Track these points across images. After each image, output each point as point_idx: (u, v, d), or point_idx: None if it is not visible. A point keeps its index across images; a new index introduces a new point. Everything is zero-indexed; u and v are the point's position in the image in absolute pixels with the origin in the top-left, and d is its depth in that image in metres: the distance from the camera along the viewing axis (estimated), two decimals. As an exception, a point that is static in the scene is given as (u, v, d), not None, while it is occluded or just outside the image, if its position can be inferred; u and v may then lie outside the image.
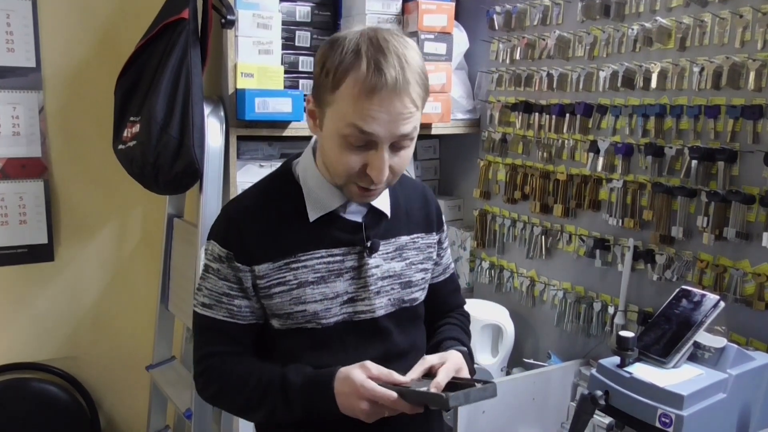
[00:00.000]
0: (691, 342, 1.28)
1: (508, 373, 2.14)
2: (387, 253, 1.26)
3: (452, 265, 1.46)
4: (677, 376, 1.24)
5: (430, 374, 1.16)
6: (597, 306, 1.96)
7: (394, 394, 1.09)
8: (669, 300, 1.38)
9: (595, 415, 1.33)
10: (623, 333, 1.28)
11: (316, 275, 1.20)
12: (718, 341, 1.29)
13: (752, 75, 1.53)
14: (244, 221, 1.20)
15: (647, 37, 1.77)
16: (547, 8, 2.09)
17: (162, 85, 1.80)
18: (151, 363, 2.29)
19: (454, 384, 1.13)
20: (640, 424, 1.22)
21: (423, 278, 1.32)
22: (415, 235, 1.31)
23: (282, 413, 1.17)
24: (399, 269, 1.27)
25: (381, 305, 1.25)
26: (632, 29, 1.81)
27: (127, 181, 1.96)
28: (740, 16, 1.57)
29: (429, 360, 1.18)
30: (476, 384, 1.10)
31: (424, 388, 1.11)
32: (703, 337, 1.30)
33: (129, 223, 2.40)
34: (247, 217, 1.21)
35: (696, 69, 1.65)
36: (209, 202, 1.90)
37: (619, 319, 1.86)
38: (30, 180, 2.20)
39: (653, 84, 1.75)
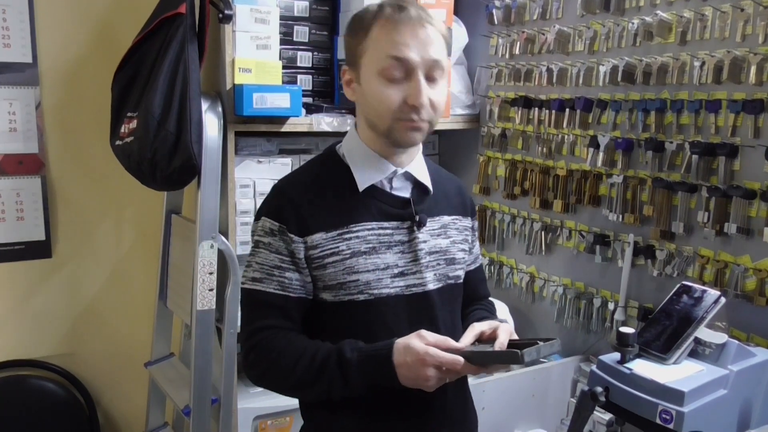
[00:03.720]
0: (691, 338, 1.28)
1: (507, 370, 2.13)
2: (433, 229, 1.31)
3: (481, 257, 1.52)
4: (678, 373, 1.23)
5: (479, 341, 1.21)
6: (597, 302, 1.95)
7: (460, 358, 1.12)
8: (669, 296, 1.37)
9: (595, 412, 1.32)
10: (623, 329, 1.28)
11: (368, 245, 1.24)
12: (718, 337, 1.28)
13: (753, 69, 1.52)
14: (297, 194, 1.25)
15: (648, 31, 1.76)
16: (547, 2, 2.07)
17: (159, 80, 1.79)
18: (149, 360, 2.29)
19: (514, 344, 1.16)
20: (640, 421, 1.21)
21: (463, 258, 1.38)
22: (455, 217, 1.37)
23: (339, 390, 1.18)
24: (444, 246, 1.33)
25: (430, 279, 1.29)
26: (632, 23, 1.80)
27: (124, 177, 1.95)
28: (741, 9, 1.56)
29: (478, 327, 1.22)
30: (538, 342, 1.13)
31: (490, 349, 1.15)
32: (703, 333, 1.29)
33: (127, 220, 2.39)
34: (300, 190, 1.26)
35: (697, 63, 1.64)
36: (207, 198, 1.89)
37: (619, 315, 1.85)
38: (27, 176, 2.19)
39: (654, 78, 1.74)
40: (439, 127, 2.33)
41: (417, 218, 1.28)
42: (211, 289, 1.90)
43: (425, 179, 1.32)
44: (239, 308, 1.88)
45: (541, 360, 1.98)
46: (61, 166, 2.24)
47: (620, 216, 1.86)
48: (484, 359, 1.14)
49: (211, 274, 1.89)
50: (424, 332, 1.16)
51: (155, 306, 2.27)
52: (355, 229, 1.24)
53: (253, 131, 2.03)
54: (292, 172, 1.36)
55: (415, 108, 1.19)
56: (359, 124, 1.30)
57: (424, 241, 1.29)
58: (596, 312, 1.96)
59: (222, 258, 1.93)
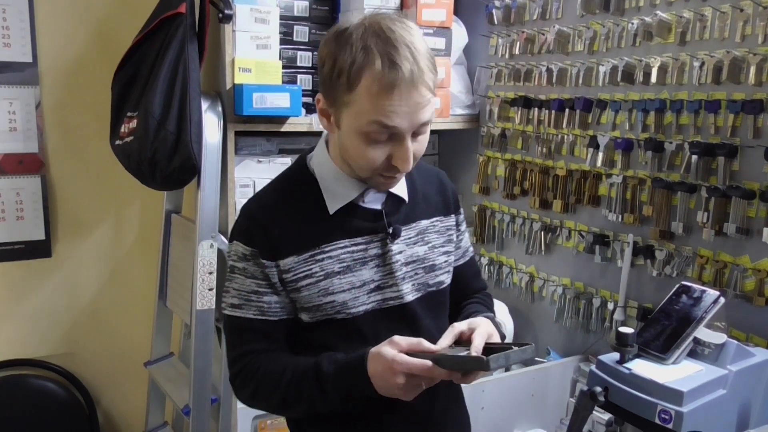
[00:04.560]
0: (690, 338, 1.28)
1: (507, 369, 2.13)
2: (409, 238, 1.27)
3: (471, 249, 1.47)
4: (677, 373, 1.23)
5: (459, 342, 1.16)
6: (596, 302, 1.95)
7: (429, 363, 1.07)
8: (669, 296, 1.37)
9: (594, 412, 1.32)
10: (623, 329, 1.27)
11: (342, 265, 1.20)
12: (718, 337, 1.28)
13: (753, 69, 1.52)
14: (266, 217, 1.21)
15: (647, 31, 1.76)
16: (547, 3, 2.07)
17: (159, 80, 1.79)
18: (149, 359, 2.29)
19: (489, 349, 1.12)
20: (639, 421, 1.21)
21: (446, 261, 1.33)
22: (434, 219, 1.33)
23: (321, 404, 1.15)
24: (422, 253, 1.28)
25: (408, 290, 1.25)
26: (632, 23, 1.80)
27: (124, 176, 1.95)
28: (741, 10, 1.56)
29: (458, 327, 1.17)
30: (513, 347, 1.09)
31: (463, 353, 1.10)
32: (702, 333, 1.29)
33: (126, 219, 2.39)
34: (269, 213, 1.22)
35: (696, 63, 1.64)
36: (207, 198, 1.89)
37: (618, 315, 1.85)
38: (27, 176, 2.19)
39: (653, 79, 1.74)
40: (438, 127, 2.34)
41: (390, 230, 1.23)
42: (210, 289, 1.90)
43: (399, 190, 1.27)
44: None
45: (524, 365, 1.95)
46: (61, 165, 2.24)
47: (620, 216, 1.86)
48: (452, 364, 1.09)
49: (210, 273, 1.90)
50: (396, 338, 1.11)
51: (155, 305, 2.27)
52: (327, 249, 1.20)
53: (253, 131, 2.03)
54: (261, 190, 1.29)
55: (398, 168, 1.15)
56: (332, 149, 1.23)
57: (400, 252, 1.25)
58: (595, 312, 1.96)
59: (222, 258, 1.93)
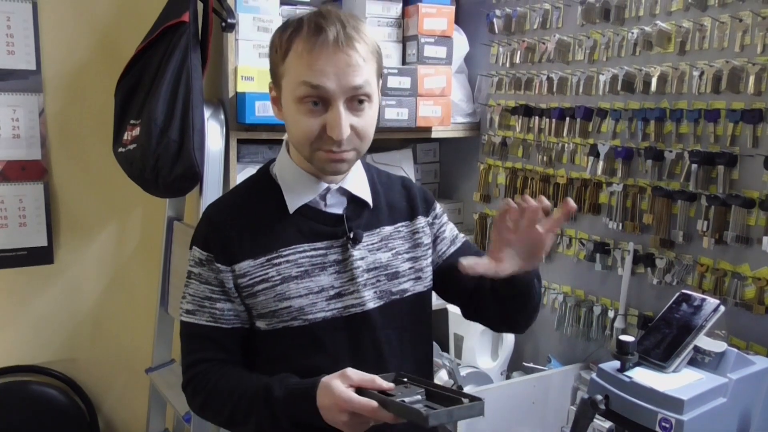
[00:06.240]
0: (691, 346, 1.28)
1: (508, 377, 2.14)
2: (372, 244, 1.25)
3: (461, 235, 1.42)
4: (677, 381, 1.23)
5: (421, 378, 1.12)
6: (597, 310, 1.96)
7: (374, 404, 1.03)
8: (669, 304, 1.38)
9: (595, 420, 1.32)
10: (623, 337, 1.28)
11: (300, 269, 1.19)
12: (718, 345, 1.29)
13: (752, 79, 1.53)
14: (223, 221, 1.21)
15: (647, 40, 1.77)
16: (547, 12, 2.09)
17: (162, 88, 1.80)
18: (150, 366, 2.29)
19: (443, 396, 1.07)
20: (640, 429, 1.22)
21: (412, 267, 1.30)
22: (399, 225, 1.31)
23: (270, 427, 1.13)
24: (385, 260, 1.26)
25: (369, 297, 1.23)
26: (632, 33, 1.81)
27: (127, 184, 1.96)
28: (740, 20, 1.57)
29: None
30: (463, 400, 1.04)
31: (414, 397, 1.06)
32: (703, 341, 1.30)
33: (129, 226, 2.39)
34: (226, 217, 1.22)
35: (696, 73, 1.65)
36: (209, 205, 1.89)
37: (619, 323, 1.85)
38: (30, 182, 2.20)
39: (653, 88, 1.75)
40: (439, 135, 2.35)
41: (351, 235, 1.22)
42: (212, 296, 1.90)
43: (362, 192, 1.26)
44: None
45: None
46: (64, 172, 2.25)
47: (620, 224, 1.86)
48: (395, 410, 1.03)
49: (212, 280, 1.90)
50: (349, 372, 1.07)
51: (156, 312, 2.28)
52: (285, 253, 1.19)
53: (255, 139, 2.04)
54: (222, 196, 1.31)
55: (332, 139, 1.13)
56: (291, 146, 1.24)
57: (361, 258, 1.23)
58: (596, 320, 1.96)
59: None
